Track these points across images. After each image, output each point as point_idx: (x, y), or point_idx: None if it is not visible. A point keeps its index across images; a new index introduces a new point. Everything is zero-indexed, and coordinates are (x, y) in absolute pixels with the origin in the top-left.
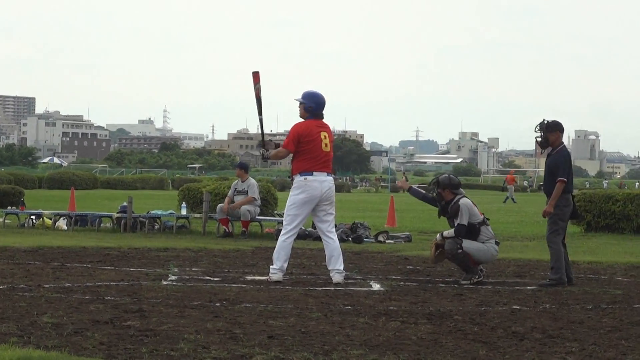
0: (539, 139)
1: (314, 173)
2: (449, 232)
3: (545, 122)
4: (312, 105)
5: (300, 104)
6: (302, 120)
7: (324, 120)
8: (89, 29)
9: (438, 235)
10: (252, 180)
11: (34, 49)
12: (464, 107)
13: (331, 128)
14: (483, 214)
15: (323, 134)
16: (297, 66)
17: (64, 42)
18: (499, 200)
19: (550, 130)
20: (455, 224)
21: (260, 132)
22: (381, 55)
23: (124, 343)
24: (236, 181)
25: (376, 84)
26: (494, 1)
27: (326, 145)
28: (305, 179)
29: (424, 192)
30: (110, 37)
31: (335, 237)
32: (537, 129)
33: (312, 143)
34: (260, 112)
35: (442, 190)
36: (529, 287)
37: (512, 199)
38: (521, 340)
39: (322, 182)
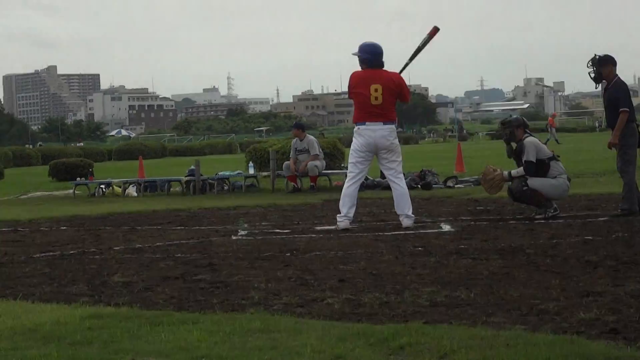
0: (592, 74)
1: (366, 123)
2: (518, 170)
3: (597, 56)
4: (368, 56)
5: (358, 57)
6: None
7: (384, 69)
8: (145, 2)
9: (505, 172)
10: (310, 137)
11: (93, 27)
12: (527, 54)
13: None
14: (553, 151)
15: (374, 87)
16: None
17: (122, 18)
18: (568, 142)
19: (603, 64)
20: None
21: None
22: (441, 7)
23: (194, 295)
24: (294, 140)
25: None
26: None
27: (376, 98)
28: (358, 128)
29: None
30: (169, 7)
31: (402, 182)
32: (589, 64)
33: (361, 96)
34: (411, 59)
35: (516, 128)
36: (600, 219)
37: (556, 140)
38: (595, 268)
39: (375, 130)
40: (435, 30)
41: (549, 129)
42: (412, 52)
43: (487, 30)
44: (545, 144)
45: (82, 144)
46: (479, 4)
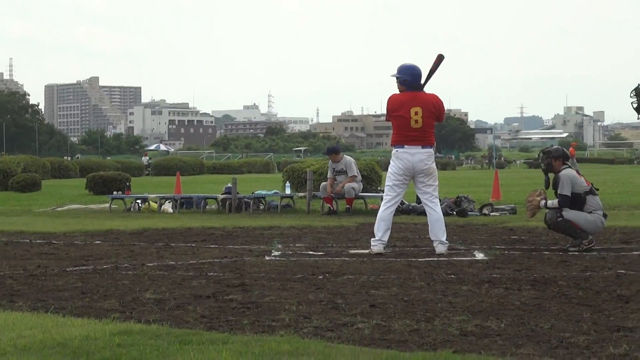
0: (634, 104)
1: (405, 146)
2: (553, 202)
3: None
4: (408, 78)
5: (397, 78)
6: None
7: (424, 91)
8: (191, 17)
9: (543, 201)
10: (347, 158)
11: (138, 40)
12: (568, 82)
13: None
14: (592, 184)
15: (414, 110)
16: (404, 48)
17: (166, 32)
18: (606, 173)
19: None
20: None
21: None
22: (485, 34)
23: (225, 315)
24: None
25: (480, 62)
26: None
27: (416, 121)
28: (397, 151)
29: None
30: (214, 24)
31: (437, 208)
32: (632, 94)
33: (400, 118)
34: (426, 80)
35: (555, 160)
36: (634, 253)
37: (577, 172)
38: (626, 303)
39: (414, 154)
40: (440, 58)
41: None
42: (427, 75)
43: (530, 57)
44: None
45: (79, 156)
46: (523, 33)
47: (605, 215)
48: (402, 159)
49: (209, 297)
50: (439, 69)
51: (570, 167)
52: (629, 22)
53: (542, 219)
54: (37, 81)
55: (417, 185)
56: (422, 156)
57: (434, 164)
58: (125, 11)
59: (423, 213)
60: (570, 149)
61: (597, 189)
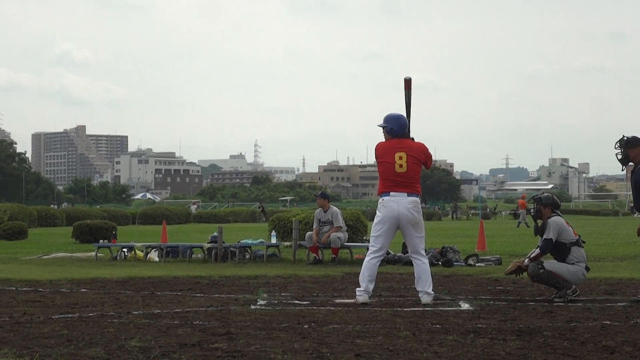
0: (619, 156)
1: (391, 193)
2: (534, 250)
3: (625, 138)
4: (394, 127)
5: (383, 128)
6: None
7: (410, 139)
8: (177, 66)
9: (526, 259)
10: (334, 209)
11: (124, 89)
12: (553, 134)
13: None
14: (579, 235)
15: (399, 154)
16: (385, 97)
17: (153, 80)
18: (591, 224)
19: (631, 146)
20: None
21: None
22: (468, 84)
23: None
24: (318, 210)
25: (465, 113)
26: (578, 27)
27: (400, 166)
28: (382, 199)
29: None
30: (200, 73)
31: (424, 258)
32: (617, 146)
33: (385, 164)
34: (408, 114)
35: (544, 207)
36: (620, 304)
37: (526, 224)
38: (611, 354)
39: (399, 202)
40: (407, 81)
41: (517, 212)
42: (406, 109)
43: (514, 108)
44: (518, 227)
45: (55, 206)
46: (506, 82)
47: (587, 268)
48: (388, 207)
49: (195, 345)
50: (412, 94)
51: (560, 215)
52: (606, 72)
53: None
54: (24, 129)
55: (405, 235)
56: (408, 205)
57: (421, 213)
58: (111, 60)
59: (409, 263)
60: (520, 200)
61: (584, 242)
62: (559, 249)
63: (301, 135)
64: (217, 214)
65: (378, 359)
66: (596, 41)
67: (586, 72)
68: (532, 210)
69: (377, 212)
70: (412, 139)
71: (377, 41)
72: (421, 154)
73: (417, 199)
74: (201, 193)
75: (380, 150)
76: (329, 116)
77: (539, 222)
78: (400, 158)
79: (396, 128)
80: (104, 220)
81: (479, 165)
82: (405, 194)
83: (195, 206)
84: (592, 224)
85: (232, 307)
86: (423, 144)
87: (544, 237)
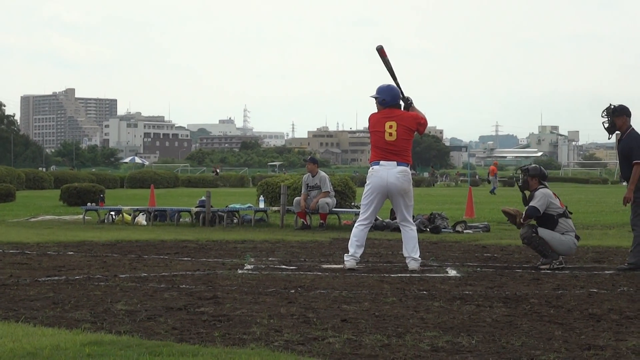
0: (605, 124)
1: (381, 162)
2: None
3: (612, 106)
4: (386, 98)
5: (376, 99)
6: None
7: (402, 109)
8: (167, 30)
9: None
10: (322, 174)
11: (114, 52)
12: (543, 101)
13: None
14: (566, 206)
15: (389, 124)
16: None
17: (143, 44)
18: (580, 193)
19: (617, 115)
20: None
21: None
22: (459, 50)
23: (196, 327)
24: (306, 176)
25: (455, 79)
26: None
27: (390, 134)
28: (372, 168)
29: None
30: (190, 38)
31: (412, 225)
32: (603, 114)
33: (376, 134)
34: (395, 79)
35: (531, 178)
36: (607, 272)
37: (493, 189)
38: (598, 322)
39: (389, 170)
40: (380, 50)
41: (490, 177)
42: (390, 75)
43: (505, 76)
44: (492, 192)
45: (43, 168)
46: (497, 49)
47: (577, 237)
48: (377, 175)
49: (181, 309)
50: (390, 59)
51: (546, 187)
52: (598, 39)
53: (516, 237)
54: (13, 92)
55: (393, 202)
56: (397, 174)
57: (410, 183)
58: (102, 22)
59: (397, 229)
60: (492, 166)
61: (571, 212)
62: (547, 221)
63: (291, 100)
64: (206, 178)
65: (364, 324)
66: (587, 8)
67: (577, 38)
68: (519, 181)
69: (367, 180)
70: (410, 102)
71: (368, 6)
72: (412, 122)
73: (407, 168)
74: (190, 157)
75: (372, 120)
76: (319, 82)
77: (527, 193)
78: (391, 127)
79: (388, 99)
80: (92, 184)
81: (469, 132)
82: (395, 162)
83: (219, 169)
84: (581, 192)
85: (219, 271)
86: (416, 113)
87: (531, 204)
